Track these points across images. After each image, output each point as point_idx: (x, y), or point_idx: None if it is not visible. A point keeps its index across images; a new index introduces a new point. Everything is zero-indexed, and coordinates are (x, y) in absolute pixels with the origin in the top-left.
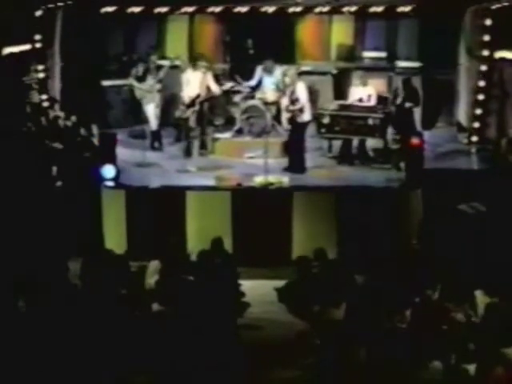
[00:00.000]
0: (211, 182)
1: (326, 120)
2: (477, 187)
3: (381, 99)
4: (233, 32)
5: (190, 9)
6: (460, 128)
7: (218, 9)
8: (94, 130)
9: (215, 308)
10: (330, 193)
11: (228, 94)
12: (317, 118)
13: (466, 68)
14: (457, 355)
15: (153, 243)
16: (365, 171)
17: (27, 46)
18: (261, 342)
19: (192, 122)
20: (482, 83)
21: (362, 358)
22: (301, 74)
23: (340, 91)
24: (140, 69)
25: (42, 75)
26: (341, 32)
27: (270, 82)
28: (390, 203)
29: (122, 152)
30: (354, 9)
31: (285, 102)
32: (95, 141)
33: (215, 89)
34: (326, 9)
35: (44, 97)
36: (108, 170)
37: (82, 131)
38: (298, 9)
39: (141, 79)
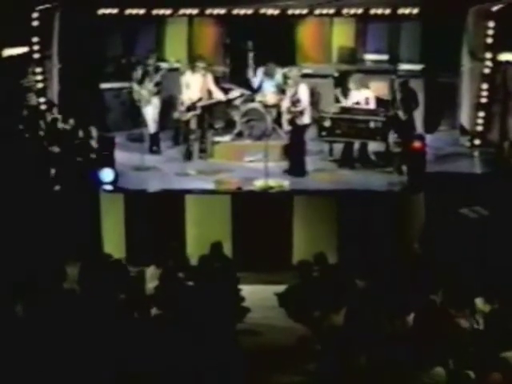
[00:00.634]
0: (211, 186)
1: (326, 123)
2: (479, 191)
3: (382, 102)
4: (233, 34)
5: (190, 11)
6: (462, 131)
7: (217, 11)
8: (94, 132)
9: (215, 313)
10: (331, 197)
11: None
12: (318, 120)
13: (468, 70)
14: (458, 361)
15: (152, 248)
16: (366, 175)
17: (25, 49)
18: (261, 348)
19: (192, 125)
20: (484, 86)
21: (362, 364)
22: (302, 76)
23: (341, 94)
24: (139, 72)
25: (39, 78)
26: (342, 34)
27: (270, 84)
28: (392, 207)
29: (120, 155)
30: (355, 11)
31: (286, 103)
32: (93, 144)
33: (218, 94)
34: (326, 11)
35: (42, 100)
36: (107, 174)
37: (81, 134)
38: (299, 11)
39: (140, 82)
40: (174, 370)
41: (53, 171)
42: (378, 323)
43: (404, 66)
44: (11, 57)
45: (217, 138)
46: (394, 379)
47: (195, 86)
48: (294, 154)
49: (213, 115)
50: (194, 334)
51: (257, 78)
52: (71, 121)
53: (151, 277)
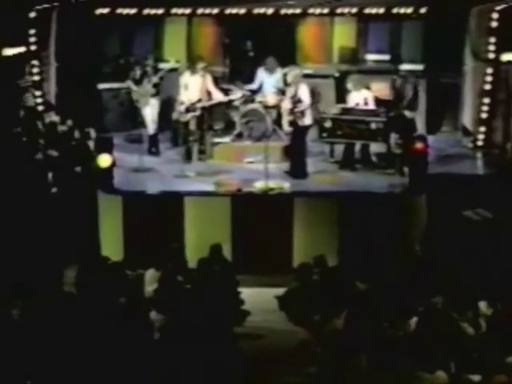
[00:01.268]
0: (210, 188)
1: (327, 124)
2: (482, 193)
3: (383, 103)
4: (232, 34)
5: (188, 11)
6: (465, 132)
7: (216, 10)
8: (92, 133)
9: (214, 316)
10: (332, 198)
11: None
12: (318, 121)
13: (471, 71)
14: (461, 364)
15: (150, 250)
16: (367, 176)
17: (22, 49)
18: (261, 351)
19: (192, 126)
20: (487, 86)
21: (363, 367)
22: (302, 76)
23: (342, 95)
24: (137, 72)
25: (37, 78)
26: (343, 34)
27: (270, 84)
28: (393, 209)
29: (118, 157)
30: (355, 10)
31: (286, 104)
32: (91, 145)
33: (218, 95)
34: (327, 10)
35: (39, 100)
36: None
37: (78, 135)
38: (299, 10)
39: (138, 82)
40: (173, 374)
41: (50, 173)
42: (378, 326)
43: (406, 66)
44: (8, 57)
45: (216, 139)
46: (394, 383)
47: (194, 87)
48: (295, 156)
49: (212, 116)
50: (193, 338)
51: (257, 77)
52: (69, 122)
53: (150, 280)
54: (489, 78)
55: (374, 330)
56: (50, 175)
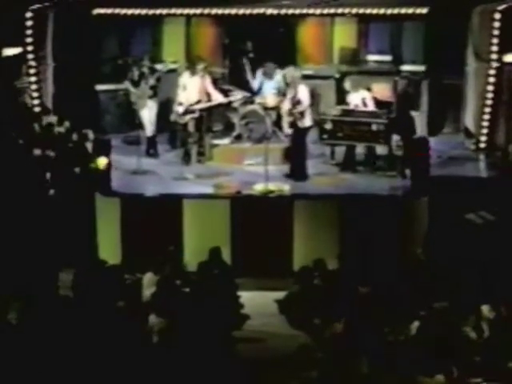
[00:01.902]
0: (209, 190)
1: (328, 125)
2: (485, 195)
3: (384, 104)
4: (231, 35)
5: (187, 11)
6: (467, 134)
7: (215, 11)
8: (90, 135)
9: (213, 320)
10: (333, 201)
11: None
12: (319, 123)
13: (473, 72)
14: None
15: (148, 254)
16: (368, 179)
17: (18, 49)
18: (260, 356)
19: (190, 128)
20: (490, 87)
21: (364, 372)
22: (302, 77)
23: (343, 96)
24: (135, 73)
25: (33, 79)
26: (343, 34)
27: (270, 86)
28: (395, 212)
29: (116, 159)
30: (356, 10)
31: (286, 105)
32: (89, 147)
33: (218, 96)
34: (327, 11)
35: (36, 102)
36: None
37: (75, 137)
38: (299, 10)
39: (136, 84)
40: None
41: (48, 175)
42: (379, 330)
43: (407, 67)
44: (4, 58)
45: (215, 141)
46: None
47: (193, 88)
48: (295, 158)
49: (211, 117)
50: (192, 342)
51: (256, 79)
52: (66, 123)
53: (148, 283)
54: (491, 79)
55: (375, 334)
56: (47, 177)
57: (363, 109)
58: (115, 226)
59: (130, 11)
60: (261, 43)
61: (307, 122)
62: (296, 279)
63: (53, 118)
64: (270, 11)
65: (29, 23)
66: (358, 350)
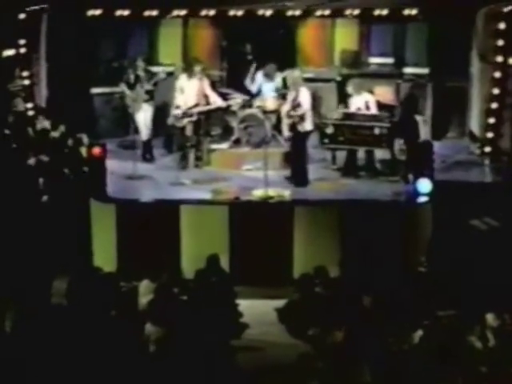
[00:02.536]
0: (207, 196)
1: (329, 129)
2: (490, 201)
3: (386, 107)
4: (230, 36)
5: (184, 12)
6: (472, 138)
7: (213, 12)
8: (85, 140)
9: (212, 329)
10: (334, 207)
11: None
12: (320, 127)
13: (478, 74)
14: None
15: (144, 261)
16: (370, 184)
17: (11, 51)
18: (260, 365)
19: (188, 132)
20: (495, 90)
21: (366, 382)
22: (303, 80)
23: (344, 99)
24: (131, 75)
25: (27, 82)
26: (345, 36)
27: (269, 89)
28: (398, 218)
29: (111, 164)
30: (358, 12)
31: (286, 107)
32: (83, 152)
33: (216, 100)
34: (328, 12)
35: (29, 105)
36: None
37: (70, 141)
38: (299, 12)
39: (131, 86)
40: None
41: (41, 181)
42: (382, 339)
43: (410, 70)
44: None
45: (213, 146)
46: None
47: (191, 91)
48: (295, 162)
49: (209, 121)
50: (189, 351)
51: (255, 82)
52: (62, 127)
53: (144, 291)
54: (496, 82)
55: (377, 343)
56: (41, 183)
57: (365, 112)
58: (110, 233)
59: (125, 12)
60: (260, 45)
61: (308, 125)
62: (296, 287)
63: (47, 123)
64: (269, 12)
65: (22, 25)
66: (360, 359)
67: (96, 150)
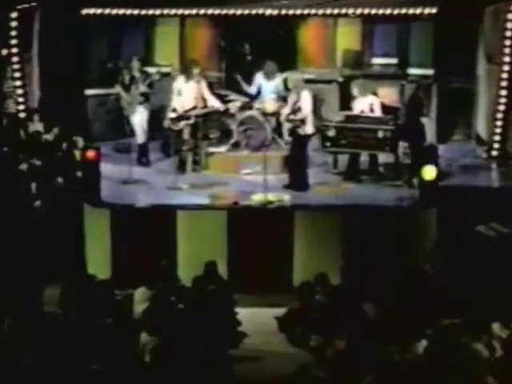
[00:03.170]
0: (205, 201)
1: (331, 132)
2: (497, 206)
3: (391, 110)
4: (228, 36)
5: (181, 11)
6: (479, 141)
7: (211, 11)
8: (80, 143)
9: (209, 338)
10: (335, 212)
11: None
12: (321, 130)
13: (485, 75)
14: None
15: (140, 268)
16: (373, 188)
17: (2, 51)
18: (259, 376)
19: (185, 135)
20: (503, 92)
21: None
22: (304, 82)
23: (347, 101)
24: (126, 76)
25: (19, 83)
26: (347, 36)
27: (269, 90)
28: (401, 224)
29: (106, 168)
30: (361, 11)
31: (286, 111)
32: (78, 155)
33: (214, 103)
34: (330, 11)
35: (22, 107)
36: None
37: (64, 145)
38: (300, 11)
39: (127, 88)
40: None
41: (34, 185)
42: (384, 349)
43: (414, 71)
44: None
45: (211, 149)
46: None
47: (189, 93)
48: (296, 166)
49: (207, 124)
50: (186, 361)
51: (254, 83)
52: (55, 130)
53: (140, 299)
54: (504, 83)
55: (380, 352)
56: (33, 187)
57: (369, 115)
58: (105, 239)
59: (120, 11)
60: (259, 45)
61: (309, 128)
62: (297, 295)
63: (39, 125)
64: (269, 11)
65: (14, 23)
66: (362, 369)
67: (90, 154)
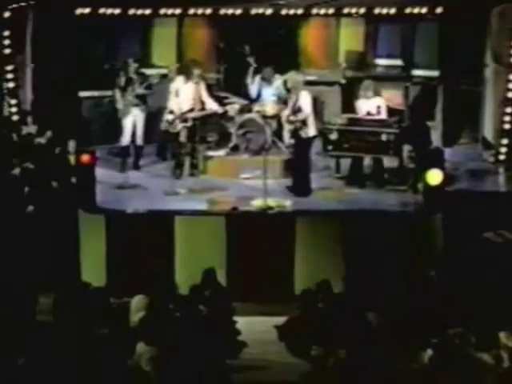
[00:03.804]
0: (203, 206)
1: (333, 136)
2: (505, 212)
3: (395, 112)
4: (227, 37)
5: (179, 11)
6: (486, 145)
7: (209, 11)
8: (72, 146)
9: (207, 348)
10: (338, 218)
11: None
12: (323, 133)
13: (492, 77)
14: None
15: (136, 275)
16: (377, 193)
17: None
18: None
19: (182, 138)
20: (510, 94)
21: None
22: (305, 83)
23: (349, 103)
24: (122, 78)
25: (11, 85)
26: (350, 37)
27: (269, 92)
28: (406, 230)
29: (101, 172)
30: (364, 10)
31: (286, 112)
32: (71, 159)
33: (213, 105)
34: (332, 10)
35: (14, 109)
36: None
37: (57, 148)
38: (301, 10)
39: (123, 89)
40: None
41: (26, 190)
42: (389, 360)
43: (419, 72)
44: None
45: (210, 153)
46: None
47: (186, 95)
48: (297, 171)
49: (205, 127)
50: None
51: (254, 85)
52: (48, 133)
53: (136, 308)
54: None
55: (384, 362)
56: (25, 192)
57: (373, 117)
58: (100, 246)
59: (116, 11)
60: (259, 46)
61: (310, 131)
62: (299, 303)
63: (32, 128)
64: (269, 11)
65: (6, 24)
66: (364, 379)
67: (85, 158)
